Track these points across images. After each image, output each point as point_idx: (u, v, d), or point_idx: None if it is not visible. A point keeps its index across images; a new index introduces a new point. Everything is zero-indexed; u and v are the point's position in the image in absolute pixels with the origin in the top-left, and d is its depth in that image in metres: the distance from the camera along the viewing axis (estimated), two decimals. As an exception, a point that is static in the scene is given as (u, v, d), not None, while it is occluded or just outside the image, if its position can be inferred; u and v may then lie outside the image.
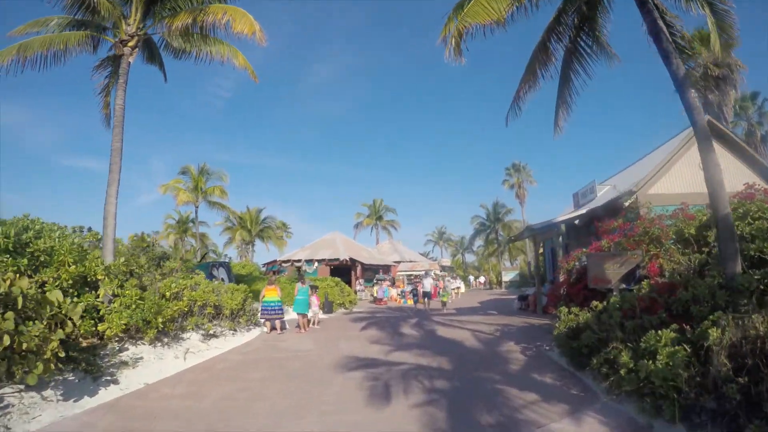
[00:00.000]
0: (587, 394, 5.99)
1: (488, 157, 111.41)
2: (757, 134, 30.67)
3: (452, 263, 62.91)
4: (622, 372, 5.32)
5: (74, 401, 6.03)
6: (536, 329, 11.82)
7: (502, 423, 5.05)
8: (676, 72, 7.08)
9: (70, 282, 7.61)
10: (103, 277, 8.17)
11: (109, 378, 6.97)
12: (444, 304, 20.21)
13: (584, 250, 10.97)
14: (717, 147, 9.69)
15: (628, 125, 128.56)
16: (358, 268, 31.31)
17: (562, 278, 12.03)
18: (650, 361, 4.92)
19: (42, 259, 7.63)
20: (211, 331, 10.67)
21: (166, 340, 9.28)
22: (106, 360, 7.61)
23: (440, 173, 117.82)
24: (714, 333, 4.75)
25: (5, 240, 7.10)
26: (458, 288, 33.55)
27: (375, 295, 27.31)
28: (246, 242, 48.39)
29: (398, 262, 40.03)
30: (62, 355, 5.91)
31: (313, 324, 14.24)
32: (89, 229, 11.29)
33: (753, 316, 4.66)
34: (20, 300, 5.67)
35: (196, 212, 39.65)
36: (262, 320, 12.97)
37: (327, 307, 18.61)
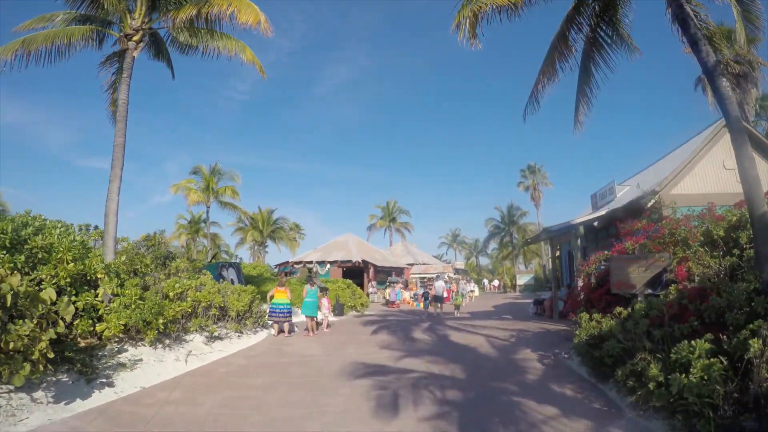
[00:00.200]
0: (611, 408, 5.53)
1: (503, 158, 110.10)
2: (779, 134, 29.55)
3: (466, 266, 62.13)
4: (650, 386, 4.88)
5: (65, 404, 5.75)
6: (553, 335, 11.36)
7: (519, 441, 4.62)
8: (705, 59, 6.54)
9: (69, 280, 7.36)
10: (102, 275, 7.93)
11: (104, 380, 6.69)
12: (457, 307, 19.74)
13: (606, 252, 10.45)
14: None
15: (646, 126, 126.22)
16: (371, 270, 30.95)
17: (581, 282, 11.52)
18: (683, 375, 4.47)
19: (40, 256, 7.41)
20: (215, 333, 10.37)
21: (167, 341, 9.00)
22: (103, 361, 7.35)
23: (455, 175, 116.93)
24: (755, 344, 4.34)
25: (2, 236, 6.89)
26: (472, 291, 33.00)
27: (387, 297, 26.92)
28: (258, 243, 48.35)
29: (411, 265, 39.58)
30: (51, 355, 5.63)
31: (324, 327, 13.92)
32: (95, 228, 11.09)
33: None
34: (9, 297, 5.41)
35: (208, 212, 39.50)
36: (270, 322, 12.70)
37: (338, 309, 18.35)
